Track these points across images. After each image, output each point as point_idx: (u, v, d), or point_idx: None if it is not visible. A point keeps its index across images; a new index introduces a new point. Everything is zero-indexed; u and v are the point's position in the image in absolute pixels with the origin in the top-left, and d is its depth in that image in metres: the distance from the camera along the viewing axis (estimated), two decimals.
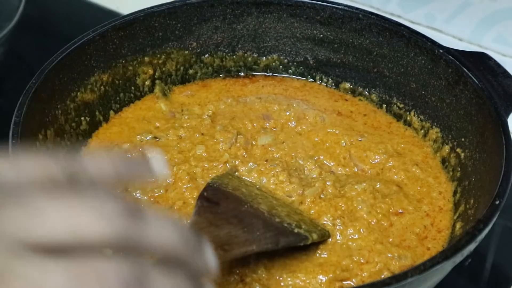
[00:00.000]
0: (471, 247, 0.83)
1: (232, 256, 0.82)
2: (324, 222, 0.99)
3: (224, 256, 0.80)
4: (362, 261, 0.94)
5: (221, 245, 0.81)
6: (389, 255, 0.94)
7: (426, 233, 1.00)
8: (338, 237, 0.97)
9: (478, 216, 0.87)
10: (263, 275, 0.91)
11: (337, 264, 0.93)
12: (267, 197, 0.99)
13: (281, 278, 0.91)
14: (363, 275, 0.92)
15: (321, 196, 1.03)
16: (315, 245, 0.96)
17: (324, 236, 0.96)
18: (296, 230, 0.93)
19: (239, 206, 0.92)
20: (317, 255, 0.95)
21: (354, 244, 0.96)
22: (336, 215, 1.00)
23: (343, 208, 1.01)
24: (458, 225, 1.00)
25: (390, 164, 1.10)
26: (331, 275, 0.91)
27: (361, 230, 0.98)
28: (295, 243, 0.92)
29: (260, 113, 1.20)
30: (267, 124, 1.17)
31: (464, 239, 0.83)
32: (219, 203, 0.91)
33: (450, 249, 0.81)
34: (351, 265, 0.93)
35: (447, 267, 0.82)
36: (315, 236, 0.94)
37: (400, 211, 1.02)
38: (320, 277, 0.91)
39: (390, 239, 0.97)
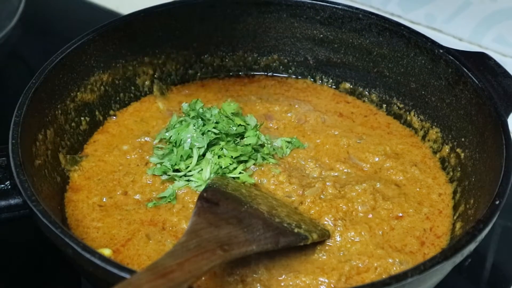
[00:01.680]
0: (471, 247, 0.83)
1: (232, 257, 0.82)
2: (325, 222, 0.99)
3: (224, 256, 0.80)
4: (360, 265, 0.93)
5: (221, 245, 0.81)
6: (389, 260, 0.94)
7: (424, 238, 0.99)
8: (337, 239, 0.97)
9: (478, 216, 0.87)
10: (264, 276, 0.91)
11: (337, 267, 0.93)
12: (267, 198, 0.99)
13: (281, 278, 0.91)
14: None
15: (321, 196, 1.02)
16: (315, 246, 0.96)
17: (324, 236, 0.96)
18: (296, 230, 0.93)
19: (238, 207, 0.92)
20: (317, 256, 0.95)
21: (354, 248, 0.96)
22: (337, 216, 0.99)
23: (344, 209, 1.01)
24: (458, 225, 1.00)
25: (388, 165, 1.10)
26: (333, 281, 0.91)
27: (362, 233, 0.97)
28: (295, 243, 0.92)
29: (261, 113, 1.19)
30: (271, 124, 1.17)
31: (464, 239, 0.83)
32: (218, 203, 0.91)
33: (450, 249, 0.81)
34: (352, 272, 0.93)
35: (447, 267, 0.82)
36: (315, 235, 0.94)
37: (400, 214, 1.02)
38: (321, 279, 0.91)
39: (391, 244, 0.97)
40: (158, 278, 0.71)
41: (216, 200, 0.91)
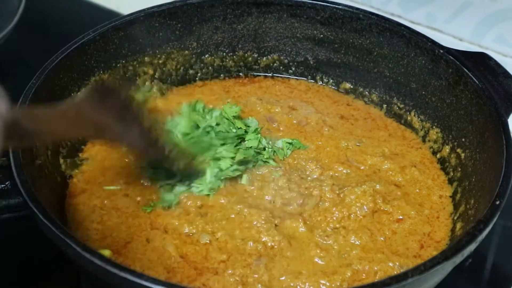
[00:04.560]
0: (472, 247, 0.83)
1: (97, 139, 0.96)
2: (328, 229, 0.99)
3: (91, 135, 0.94)
4: (361, 269, 0.93)
5: (95, 127, 0.88)
6: (390, 264, 0.94)
7: (423, 241, 0.99)
8: (340, 242, 0.97)
9: (479, 217, 0.87)
10: (264, 276, 0.91)
11: (339, 271, 0.92)
12: (157, 124, 1.00)
13: (282, 279, 0.91)
14: None
15: (320, 203, 1.02)
16: (316, 248, 0.95)
17: (192, 169, 1.02)
18: (166, 152, 0.98)
19: (127, 110, 0.94)
20: (318, 258, 0.95)
21: (354, 252, 0.96)
22: (338, 220, 0.99)
23: (344, 213, 1.00)
24: (458, 226, 1.00)
25: (387, 166, 1.10)
26: (334, 285, 0.91)
27: (363, 237, 0.97)
28: (160, 158, 0.99)
29: (262, 115, 1.19)
30: (275, 124, 1.17)
31: (465, 239, 0.82)
32: (108, 96, 0.92)
33: (451, 249, 0.81)
34: (354, 276, 0.92)
35: (447, 267, 0.82)
36: (181, 163, 1.00)
37: (401, 217, 1.01)
38: (322, 281, 0.91)
39: (391, 248, 0.97)
40: (29, 115, 0.80)
41: (107, 93, 0.93)
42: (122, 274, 0.76)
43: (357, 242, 0.97)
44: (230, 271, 0.91)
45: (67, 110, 0.87)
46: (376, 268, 0.93)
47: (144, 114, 0.96)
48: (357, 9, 1.21)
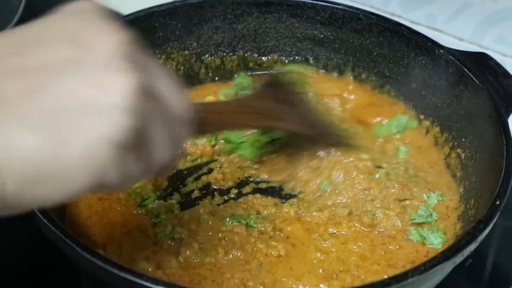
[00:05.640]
0: (472, 247, 0.83)
1: (271, 127, 0.97)
2: (330, 231, 0.98)
3: (271, 124, 0.94)
4: (356, 274, 0.93)
5: (274, 115, 0.92)
6: (384, 276, 0.93)
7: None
8: (340, 247, 0.96)
9: (479, 217, 0.87)
10: (266, 280, 0.91)
11: (339, 277, 0.92)
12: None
13: (284, 280, 0.91)
14: None
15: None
16: (316, 252, 0.95)
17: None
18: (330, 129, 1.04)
19: (297, 100, 1.00)
20: (318, 261, 0.94)
21: (353, 258, 0.95)
22: (339, 229, 0.99)
23: (344, 224, 1.00)
24: (458, 226, 1.00)
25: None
26: None
27: (359, 243, 0.97)
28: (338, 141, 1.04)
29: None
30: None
31: (465, 239, 0.82)
32: (281, 90, 0.98)
33: (451, 250, 0.81)
34: (353, 283, 0.92)
35: (447, 267, 0.82)
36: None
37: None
38: (322, 286, 0.91)
39: (387, 258, 0.96)
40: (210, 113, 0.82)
41: (278, 87, 0.98)
42: (122, 274, 0.76)
43: (356, 250, 0.96)
44: (229, 274, 0.91)
45: (244, 103, 0.92)
46: (370, 280, 0.92)
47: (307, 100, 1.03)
48: (357, 9, 1.21)
